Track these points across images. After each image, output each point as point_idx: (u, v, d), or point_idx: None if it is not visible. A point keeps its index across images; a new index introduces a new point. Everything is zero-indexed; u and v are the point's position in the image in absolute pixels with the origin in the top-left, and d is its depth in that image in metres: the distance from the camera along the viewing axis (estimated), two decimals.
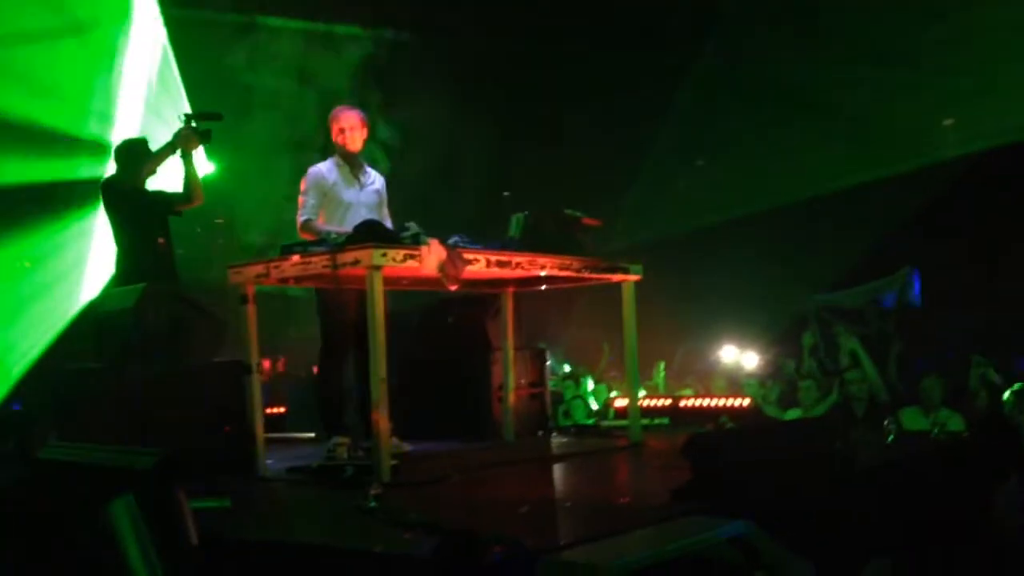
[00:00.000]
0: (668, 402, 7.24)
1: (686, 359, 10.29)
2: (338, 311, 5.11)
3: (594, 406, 8.42)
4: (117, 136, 8.07)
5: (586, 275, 5.39)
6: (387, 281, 4.38)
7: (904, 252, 8.98)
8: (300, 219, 5.16)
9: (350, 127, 5.25)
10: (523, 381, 6.30)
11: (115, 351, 4.75)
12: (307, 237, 4.93)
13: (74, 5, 8.30)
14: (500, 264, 4.80)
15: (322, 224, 5.08)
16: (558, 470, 5.07)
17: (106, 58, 8.82)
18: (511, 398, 6.02)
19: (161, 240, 5.55)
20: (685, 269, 10.47)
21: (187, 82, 9.05)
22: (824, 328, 8.41)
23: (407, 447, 5.13)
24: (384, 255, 4.19)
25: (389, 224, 5.17)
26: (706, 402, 7.07)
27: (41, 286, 8.79)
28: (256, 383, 4.69)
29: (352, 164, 5.30)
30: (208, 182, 9.19)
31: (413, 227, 4.48)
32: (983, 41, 8.51)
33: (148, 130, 8.02)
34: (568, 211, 5.36)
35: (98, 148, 8.42)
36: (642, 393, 7.16)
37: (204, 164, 9.23)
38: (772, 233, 10.22)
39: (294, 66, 9.12)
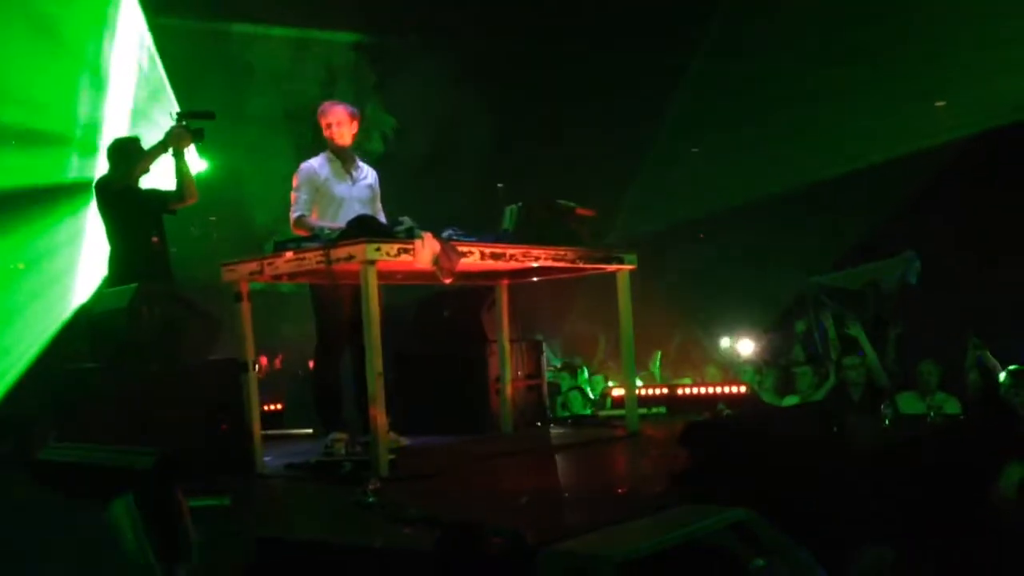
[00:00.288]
0: (665, 391, 7.25)
1: (682, 348, 10.30)
2: (333, 307, 5.10)
3: (591, 396, 8.42)
4: (106, 138, 8.04)
5: (581, 265, 5.39)
6: (381, 275, 4.37)
7: (900, 237, 8.98)
8: (293, 215, 5.15)
9: (337, 122, 5.24)
10: (520, 373, 6.30)
11: (110, 351, 4.74)
12: (301, 233, 4.92)
13: (56, 18, 8.26)
14: (494, 256, 4.80)
15: (315, 220, 5.07)
16: (557, 461, 5.08)
17: (92, 69, 8.79)
18: (508, 390, 6.02)
19: (155, 239, 5.54)
20: (680, 259, 10.48)
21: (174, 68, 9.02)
22: (821, 311, 8.39)
23: (405, 441, 5.13)
24: (378, 249, 4.19)
25: (383, 218, 5.16)
26: (703, 390, 7.08)
27: (35, 287, 8.77)
28: (253, 380, 4.69)
29: (343, 159, 5.29)
30: (202, 179, 9.19)
31: (406, 221, 4.48)
32: (977, 22, 8.51)
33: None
34: (561, 201, 5.36)
35: (87, 148, 8.40)
36: (639, 383, 7.17)
37: (197, 162, 9.23)
38: (766, 222, 10.23)
39: (293, 40, 9.10)
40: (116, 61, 8.96)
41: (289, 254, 4.47)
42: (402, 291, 6.10)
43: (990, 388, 6.17)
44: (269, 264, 4.56)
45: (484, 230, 4.99)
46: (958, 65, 8.75)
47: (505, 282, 5.98)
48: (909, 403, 6.41)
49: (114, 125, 8.69)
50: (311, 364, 5.60)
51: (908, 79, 9.11)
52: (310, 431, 6.42)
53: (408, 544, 2.75)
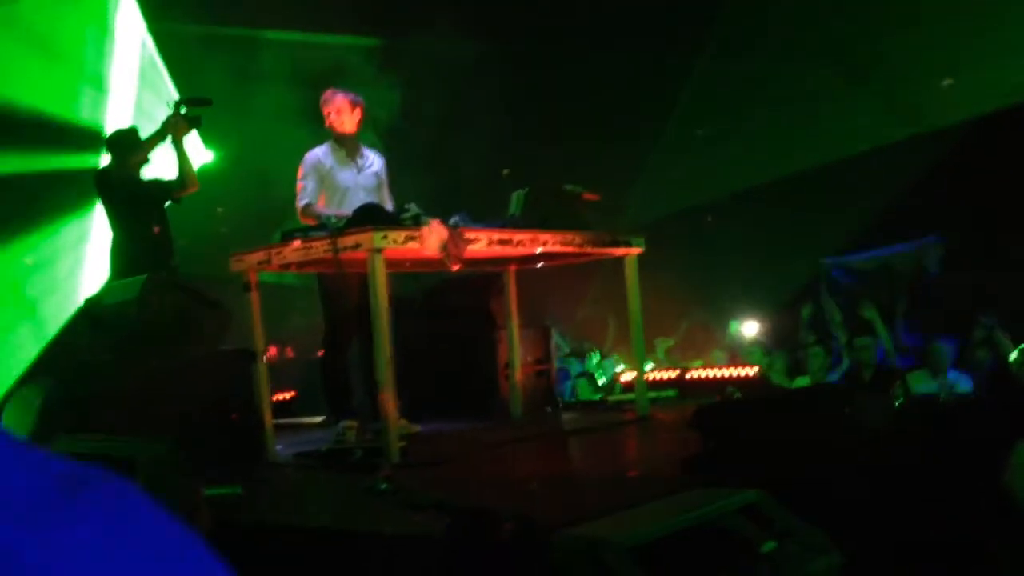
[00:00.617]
0: (675, 374, 7.24)
1: (690, 333, 10.28)
2: (341, 295, 5.10)
3: (601, 381, 8.42)
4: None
5: (588, 250, 5.37)
6: (389, 263, 4.37)
7: (912, 217, 8.93)
8: (300, 204, 5.14)
9: (337, 110, 5.23)
10: (529, 358, 6.31)
11: (120, 343, 4.76)
12: (308, 222, 4.92)
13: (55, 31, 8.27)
14: (502, 242, 4.79)
15: (322, 208, 5.07)
16: (567, 446, 5.08)
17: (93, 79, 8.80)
18: (518, 375, 6.02)
19: (156, 229, 5.53)
20: (689, 244, 10.43)
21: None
22: (825, 296, 8.35)
23: (416, 428, 5.14)
24: (385, 237, 4.19)
25: (390, 206, 5.15)
26: (713, 373, 7.07)
27: (45, 281, 8.79)
28: (263, 370, 4.71)
29: (347, 147, 5.28)
30: (208, 170, 9.19)
31: (413, 208, 4.47)
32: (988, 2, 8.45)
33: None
34: (568, 186, 5.34)
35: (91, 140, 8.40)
36: (649, 366, 7.16)
37: (203, 152, 9.22)
38: (776, 205, 10.16)
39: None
40: (117, 67, 8.98)
41: (296, 243, 4.47)
42: (410, 282, 6.10)
43: (1001, 366, 6.15)
44: (277, 253, 4.56)
45: (489, 215, 4.99)
46: (970, 45, 8.66)
47: (513, 268, 5.97)
48: (921, 382, 6.39)
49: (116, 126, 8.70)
50: (320, 353, 5.61)
51: (919, 58, 9.03)
52: (321, 419, 6.44)
53: (420, 530, 2.76)
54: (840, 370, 7.09)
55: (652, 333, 8.68)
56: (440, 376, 6.03)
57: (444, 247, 4.38)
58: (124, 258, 5.37)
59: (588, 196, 5.38)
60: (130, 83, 9.03)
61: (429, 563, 2.58)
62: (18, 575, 0.51)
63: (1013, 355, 5.97)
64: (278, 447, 4.80)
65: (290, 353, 10.90)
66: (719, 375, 6.96)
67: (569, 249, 5.25)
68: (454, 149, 9.23)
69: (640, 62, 9.48)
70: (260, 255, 4.65)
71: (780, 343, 8.83)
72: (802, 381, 7.36)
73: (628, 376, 7.28)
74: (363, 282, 4.51)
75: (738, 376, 6.83)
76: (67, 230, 8.76)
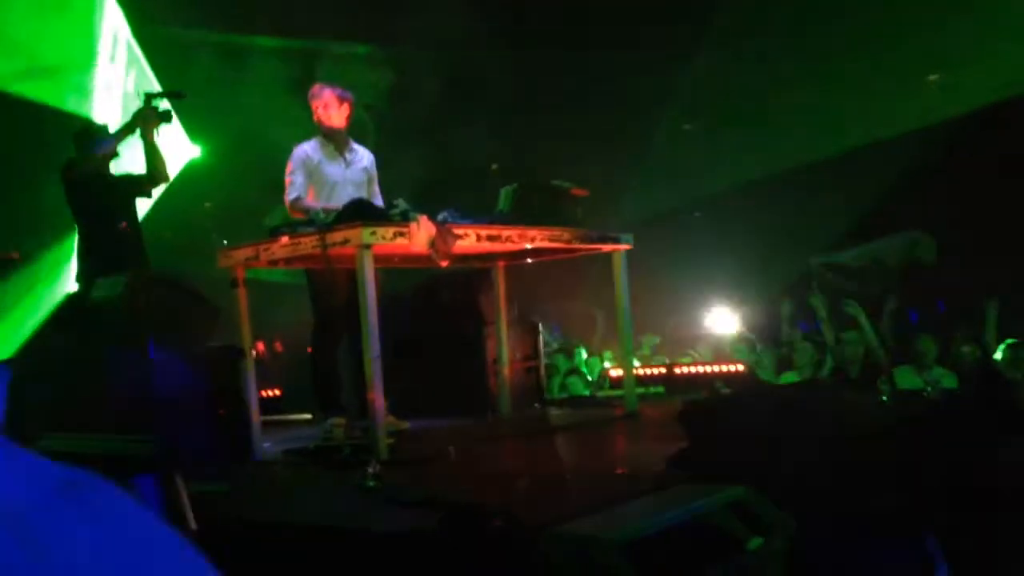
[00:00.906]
0: (663, 370, 7.25)
1: (677, 329, 10.30)
2: (330, 292, 5.09)
3: (588, 378, 8.42)
4: None
5: (577, 245, 5.38)
6: (378, 259, 4.36)
7: (902, 215, 8.97)
8: (289, 198, 5.12)
9: (324, 105, 5.22)
10: (518, 355, 6.31)
11: (106, 340, 4.72)
12: (297, 216, 4.91)
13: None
14: (490, 238, 4.79)
15: (311, 201, 5.05)
16: (555, 442, 5.09)
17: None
18: (506, 372, 6.02)
19: (124, 224, 5.41)
20: (678, 241, 10.45)
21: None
22: (821, 288, 8.37)
23: (405, 424, 5.14)
24: (373, 233, 4.18)
25: (379, 201, 5.14)
26: (701, 369, 7.09)
27: (30, 277, 8.74)
28: (250, 367, 4.69)
29: (336, 141, 5.27)
30: (195, 165, 9.14)
31: (401, 204, 4.47)
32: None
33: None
34: (556, 182, 5.34)
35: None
36: (637, 363, 7.17)
37: (190, 147, 9.18)
38: (766, 202, 10.19)
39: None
40: (102, 73, 8.93)
41: (285, 239, 4.45)
42: (400, 279, 6.09)
43: (987, 363, 6.18)
44: (265, 250, 4.55)
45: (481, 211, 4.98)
46: (958, 42, 8.69)
47: (502, 264, 5.97)
48: (906, 378, 6.42)
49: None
50: (309, 349, 5.60)
51: (909, 57, 9.06)
52: (309, 416, 6.42)
53: (408, 528, 2.76)
54: (828, 366, 7.11)
55: (639, 329, 8.69)
56: (429, 372, 6.03)
57: (432, 243, 4.38)
58: (91, 254, 5.26)
59: (577, 192, 5.38)
60: (116, 89, 8.97)
61: (418, 560, 2.58)
62: None
63: (999, 352, 6.00)
64: (265, 444, 4.78)
65: (280, 348, 10.86)
66: (707, 371, 6.98)
67: (557, 245, 5.25)
68: (446, 144, 9.21)
69: (636, 60, 9.48)
70: (248, 251, 4.63)
71: (768, 339, 8.85)
72: (790, 377, 7.38)
73: (617, 372, 7.30)
74: (352, 278, 4.50)
75: (726, 372, 6.85)
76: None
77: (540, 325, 6.87)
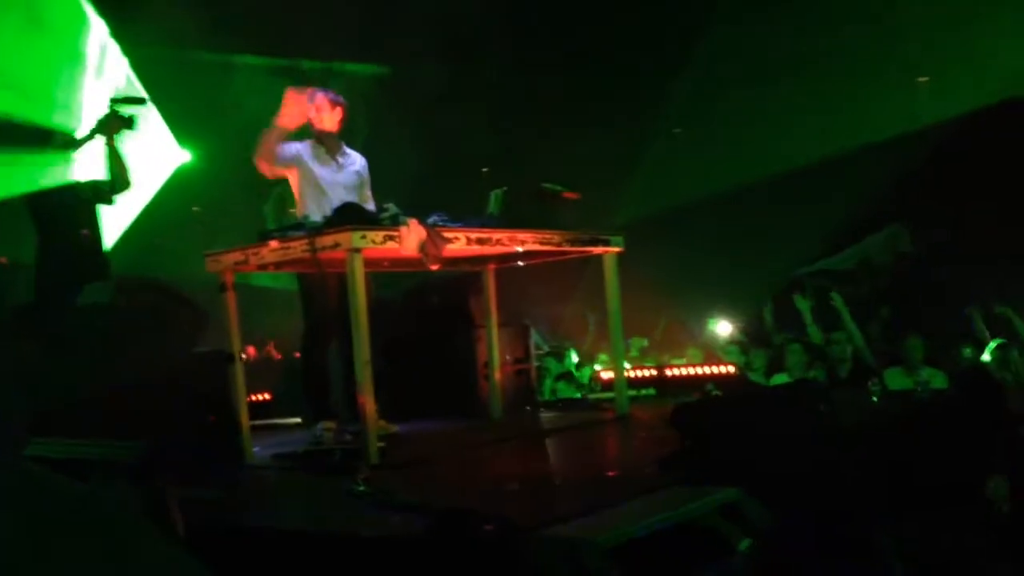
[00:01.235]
0: (654, 373, 7.25)
1: (668, 331, 10.31)
2: (320, 295, 5.08)
3: (580, 381, 8.41)
4: None
5: (567, 248, 5.38)
6: (368, 263, 4.35)
7: (887, 220, 9.01)
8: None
9: (316, 107, 5.22)
10: (508, 358, 6.30)
11: (93, 345, 4.70)
12: (267, 143, 4.94)
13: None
14: (480, 241, 4.78)
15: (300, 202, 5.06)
16: (546, 445, 5.08)
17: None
18: (497, 375, 6.02)
19: (85, 231, 5.33)
20: (668, 245, 10.46)
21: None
22: (796, 296, 8.38)
23: (395, 428, 5.12)
24: (364, 237, 4.16)
25: (371, 206, 5.13)
26: (692, 371, 7.09)
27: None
28: (240, 371, 4.67)
29: (327, 144, 5.27)
30: (185, 170, 9.10)
31: (392, 208, 4.46)
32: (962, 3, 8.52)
33: None
34: (547, 185, 5.34)
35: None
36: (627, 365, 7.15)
37: (180, 152, 9.13)
38: (754, 208, 10.22)
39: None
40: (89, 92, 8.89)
41: (274, 243, 4.43)
42: (391, 284, 6.07)
43: (977, 363, 6.21)
44: (254, 254, 4.53)
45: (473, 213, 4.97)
46: (946, 45, 8.74)
47: (492, 267, 5.96)
48: (897, 379, 6.44)
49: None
50: (298, 354, 5.58)
51: (896, 61, 9.11)
52: (298, 421, 6.40)
53: (399, 532, 2.75)
54: (818, 367, 7.11)
55: (629, 332, 8.70)
56: (419, 376, 6.01)
57: (423, 247, 4.37)
58: (50, 262, 5.15)
59: (568, 195, 5.38)
60: (103, 104, 8.91)
61: (408, 565, 2.57)
62: None
63: (987, 353, 6.03)
64: (255, 448, 4.76)
65: (275, 353, 10.83)
66: (698, 373, 6.99)
67: (548, 248, 5.25)
68: (441, 145, 9.21)
69: (632, 63, 9.50)
70: (237, 255, 4.61)
71: (758, 341, 8.86)
72: (780, 378, 7.39)
73: (608, 374, 7.29)
74: (343, 282, 4.49)
75: (717, 374, 6.85)
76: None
77: (531, 328, 6.87)
